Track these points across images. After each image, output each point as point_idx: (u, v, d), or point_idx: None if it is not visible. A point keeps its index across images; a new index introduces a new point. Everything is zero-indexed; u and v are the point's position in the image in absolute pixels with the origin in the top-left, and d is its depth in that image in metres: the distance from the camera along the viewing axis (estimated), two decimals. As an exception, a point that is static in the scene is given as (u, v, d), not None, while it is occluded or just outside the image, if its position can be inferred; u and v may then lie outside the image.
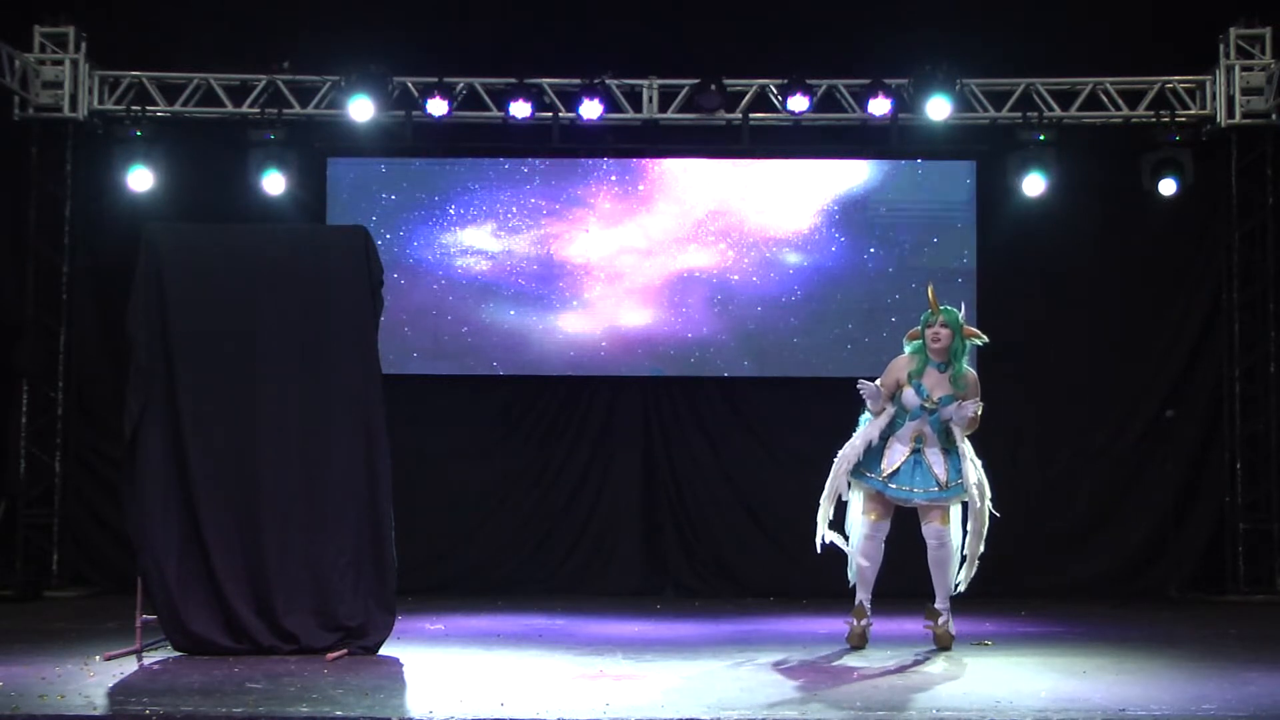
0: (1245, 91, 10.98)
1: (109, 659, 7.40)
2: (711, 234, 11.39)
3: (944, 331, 7.99)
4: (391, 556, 7.78)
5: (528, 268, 11.38)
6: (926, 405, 7.95)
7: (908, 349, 8.13)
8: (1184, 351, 11.39)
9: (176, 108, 11.19)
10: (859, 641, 8.04)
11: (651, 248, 11.40)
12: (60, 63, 11.07)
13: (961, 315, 8.08)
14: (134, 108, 11.08)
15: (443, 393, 11.37)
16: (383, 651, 7.65)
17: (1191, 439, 11.30)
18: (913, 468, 7.94)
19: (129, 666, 7.24)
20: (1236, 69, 10.98)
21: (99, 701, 6.25)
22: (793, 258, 11.38)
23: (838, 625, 8.43)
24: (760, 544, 11.33)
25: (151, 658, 7.53)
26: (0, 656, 7.41)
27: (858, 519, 8.15)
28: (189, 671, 7.02)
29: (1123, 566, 11.25)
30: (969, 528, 7.97)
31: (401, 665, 7.38)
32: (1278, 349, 11.18)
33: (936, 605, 8.11)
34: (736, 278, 11.37)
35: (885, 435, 8.02)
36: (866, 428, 8.05)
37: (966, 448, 7.95)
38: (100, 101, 11.23)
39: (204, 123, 11.27)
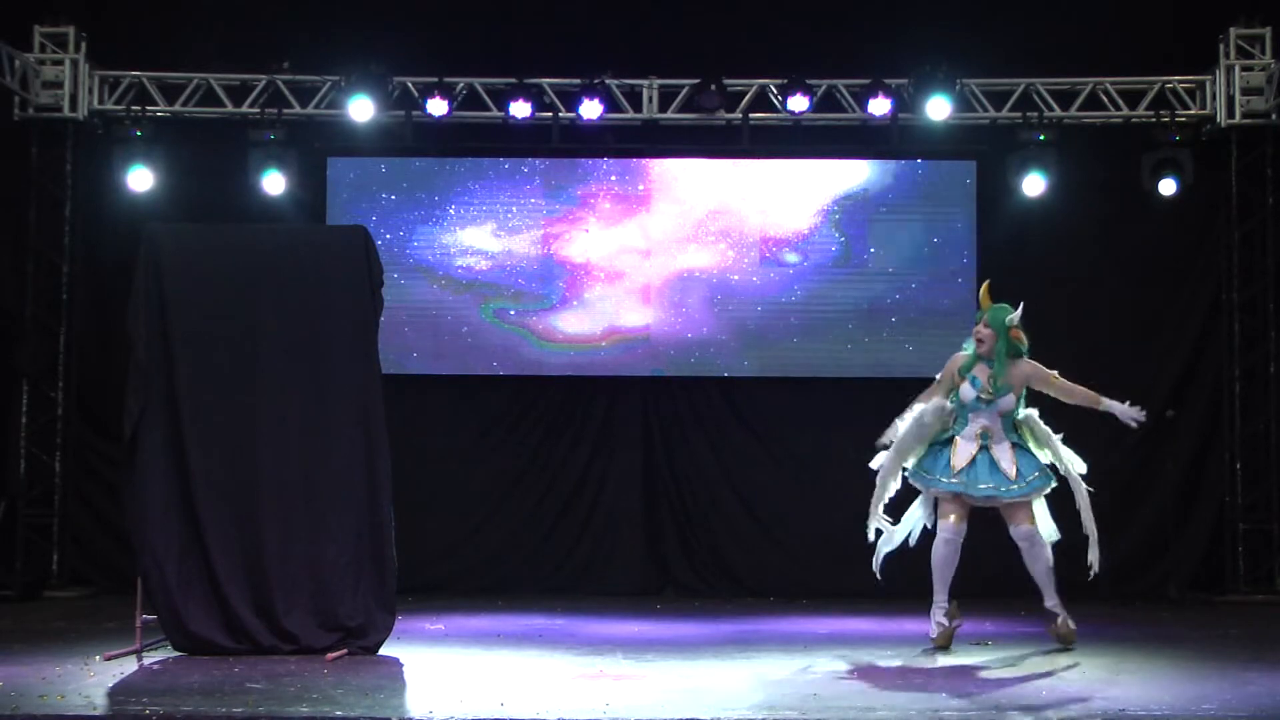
0: (1245, 91, 10.98)
1: (109, 659, 7.40)
2: (711, 234, 11.38)
3: (986, 332, 8.02)
4: (391, 556, 7.78)
5: (528, 268, 11.38)
6: (983, 396, 7.94)
7: (966, 347, 8.16)
8: (1184, 351, 11.38)
9: (176, 108, 11.19)
10: (945, 642, 7.99)
11: (651, 248, 11.40)
12: (60, 63, 11.06)
13: (1017, 315, 8.05)
14: (134, 108, 11.08)
15: (443, 393, 11.37)
16: (383, 651, 7.66)
17: (1191, 439, 11.30)
18: (990, 466, 7.90)
19: (129, 666, 7.25)
20: (1236, 69, 10.98)
21: (99, 701, 6.26)
22: (793, 258, 11.38)
23: (838, 625, 8.45)
24: (760, 544, 11.33)
25: (151, 658, 7.54)
26: (0, 656, 7.41)
27: (915, 522, 8.12)
28: (189, 671, 7.03)
29: (1123, 566, 11.24)
30: (1077, 505, 7.97)
31: (401, 665, 7.39)
32: (1278, 349, 11.18)
33: (1047, 605, 8.09)
34: (736, 278, 11.36)
35: (950, 435, 7.99)
36: (915, 412, 8.00)
37: (1046, 431, 7.98)
38: (100, 101, 11.22)
39: (204, 123, 11.27)
